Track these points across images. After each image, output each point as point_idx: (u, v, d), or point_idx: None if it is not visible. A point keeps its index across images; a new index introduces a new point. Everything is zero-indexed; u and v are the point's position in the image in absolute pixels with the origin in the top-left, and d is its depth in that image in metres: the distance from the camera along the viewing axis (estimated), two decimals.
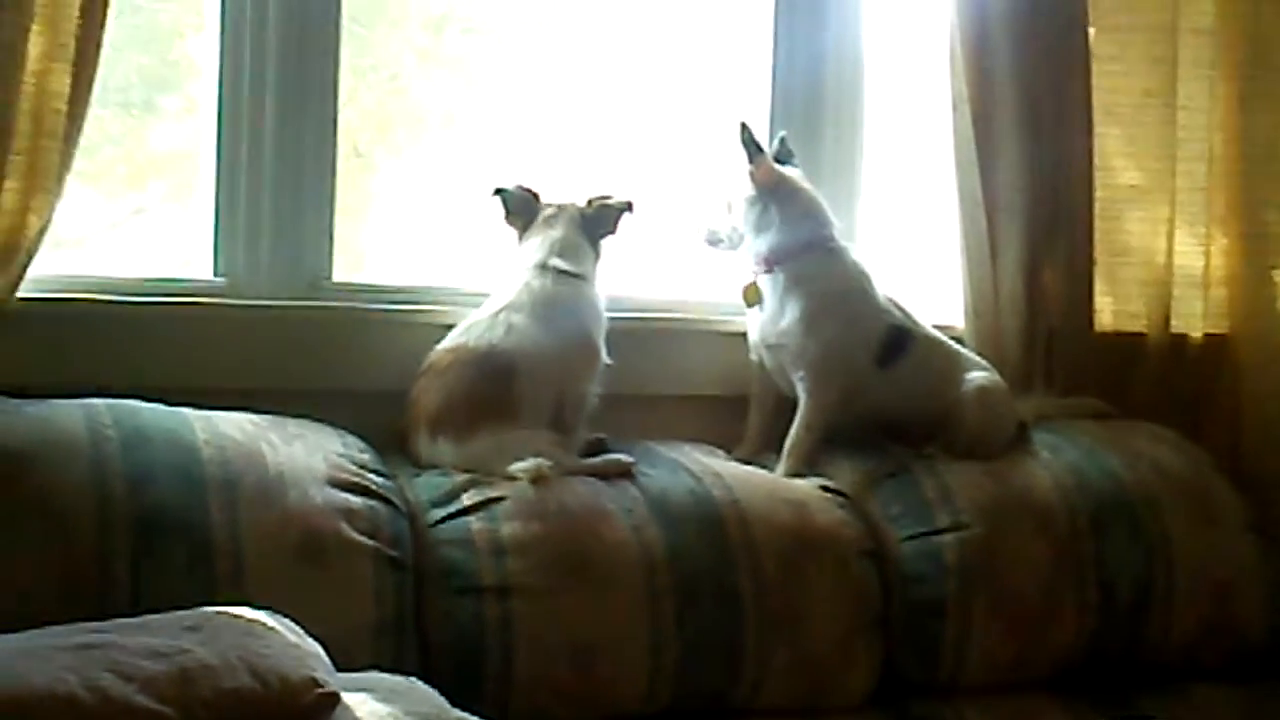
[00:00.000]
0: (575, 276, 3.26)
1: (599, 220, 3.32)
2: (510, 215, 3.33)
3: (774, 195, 3.39)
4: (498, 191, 3.32)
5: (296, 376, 3.18)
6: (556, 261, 3.25)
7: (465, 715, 2.37)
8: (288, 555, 2.70)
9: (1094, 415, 3.63)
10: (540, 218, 3.31)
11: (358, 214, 3.56)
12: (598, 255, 3.32)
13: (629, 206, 3.33)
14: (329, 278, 3.35)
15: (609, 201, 3.33)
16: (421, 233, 3.65)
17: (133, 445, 2.71)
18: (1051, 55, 3.63)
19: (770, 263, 3.39)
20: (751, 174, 3.39)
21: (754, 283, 3.42)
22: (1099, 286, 3.76)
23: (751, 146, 3.37)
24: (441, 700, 2.42)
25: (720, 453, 3.35)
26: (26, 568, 2.55)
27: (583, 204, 3.33)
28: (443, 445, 3.06)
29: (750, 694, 2.99)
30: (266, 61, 3.26)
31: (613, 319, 3.30)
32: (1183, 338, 3.86)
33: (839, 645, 3.06)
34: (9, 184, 2.82)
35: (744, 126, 3.37)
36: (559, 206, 3.32)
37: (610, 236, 3.34)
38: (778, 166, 3.41)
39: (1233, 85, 3.84)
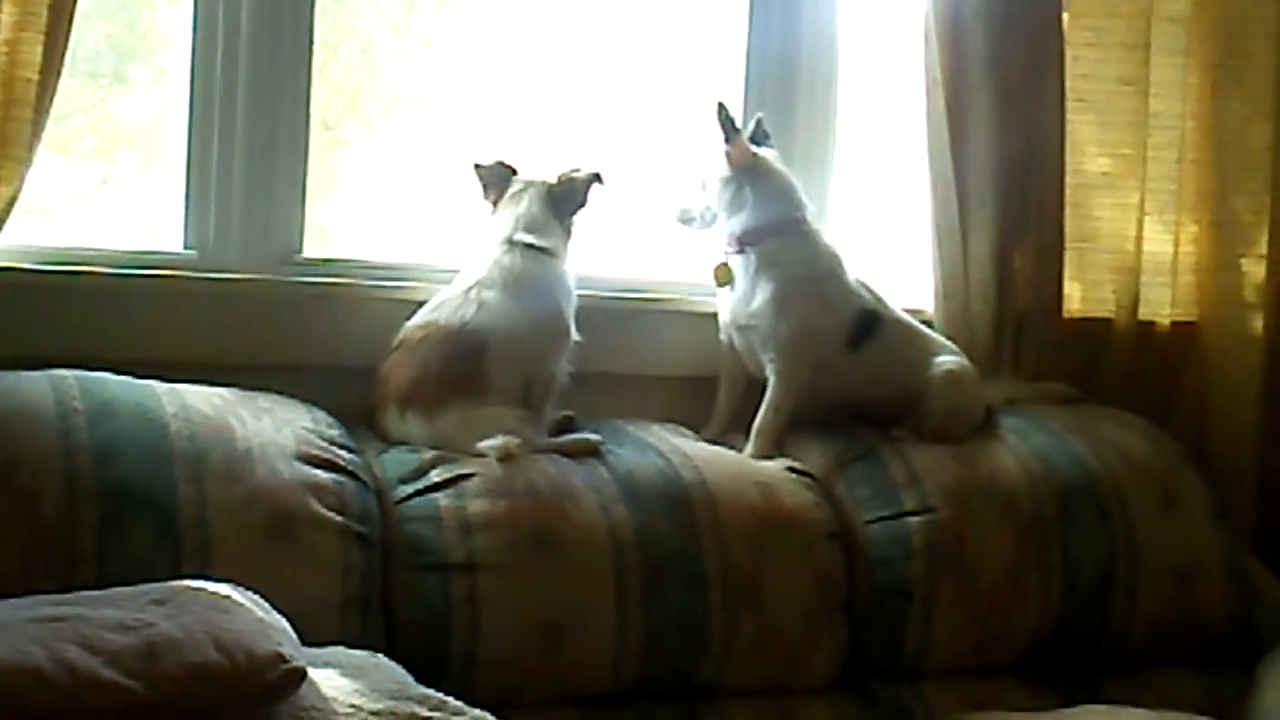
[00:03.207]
0: (543, 251, 3.25)
1: (567, 195, 3.31)
2: (486, 190, 3.32)
3: (749, 176, 3.39)
4: (476, 167, 3.31)
5: (266, 351, 3.18)
6: (523, 236, 3.24)
7: (430, 692, 2.37)
8: (255, 530, 2.69)
9: (1062, 400, 3.64)
10: (508, 193, 3.30)
11: (327, 188, 3.54)
12: (567, 231, 3.31)
13: (597, 177, 3.31)
14: (299, 252, 3.34)
15: (575, 174, 3.32)
16: (392, 208, 3.64)
17: (100, 418, 2.71)
18: (1026, 41, 3.62)
19: (742, 243, 3.39)
20: (727, 154, 3.38)
21: (725, 263, 3.42)
22: (1068, 272, 3.76)
23: (728, 126, 3.37)
24: (406, 676, 2.43)
25: (688, 433, 3.35)
26: None
27: (552, 179, 3.32)
28: (412, 422, 3.05)
29: (715, 674, 3.00)
30: (239, 33, 3.25)
31: (583, 297, 3.30)
32: (1151, 324, 3.86)
33: (804, 627, 3.07)
34: None
35: (721, 106, 3.36)
36: (526, 182, 3.31)
37: (581, 210, 3.32)
38: (753, 147, 3.41)
39: (1206, 73, 3.84)
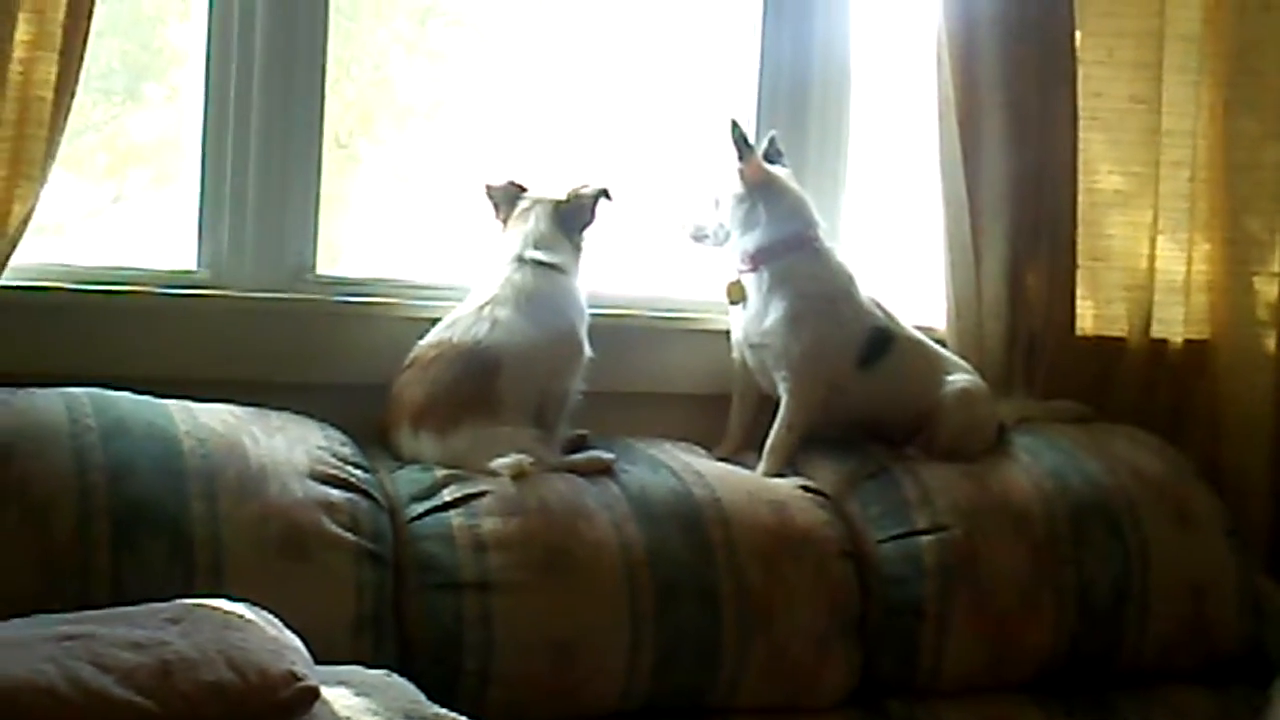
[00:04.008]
0: (552, 268, 3.25)
1: (575, 211, 3.30)
2: (497, 209, 3.32)
3: (762, 194, 3.39)
4: (487, 188, 3.32)
5: (279, 369, 3.18)
6: (533, 253, 3.25)
7: (443, 711, 2.37)
8: (268, 548, 2.69)
9: (1075, 418, 3.63)
10: (516, 211, 3.30)
11: (340, 205, 3.55)
12: (577, 247, 3.31)
13: (604, 193, 3.31)
14: (313, 270, 3.34)
15: (583, 191, 3.32)
16: (405, 225, 3.64)
17: (113, 436, 2.71)
18: (1038, 59, 3.62)
19: (756, 261, 3.38)
20: (741, 171, 3.38)
21: (738, 280, 3.42)
22: (1081, 290, 3.76)
23: (742, 144, 3.37)
24: (419, 695, 2.43)
25: (701, 451, 3.34)
26: (5, 557, 2.55)
27: (561, 196, 3.31)
28: (425, 440, 3.05)
29: (728, 693, 2.99)
30: (252, 51, 3.25)
31: (595, 315, 3.30)
32: (1163, 343, 3.86)
33: (817, 645, 3.06)
34: None
35: (735, 124, 3.37)
36: (534, 199, 3.31)
37: (590, 226, 3.32)
38: (767, 165, 3.41)
39: (1217, 91, 3.84)
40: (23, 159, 2.84)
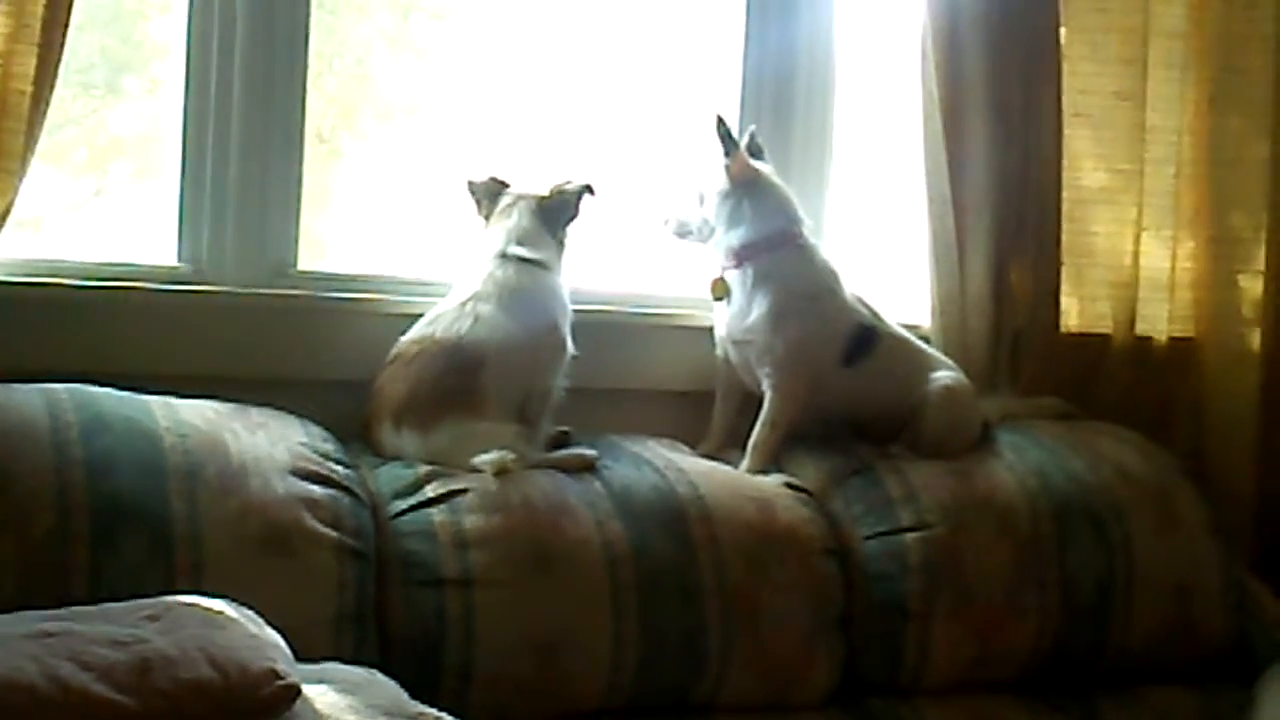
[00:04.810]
0: (536, 264, 3.24)
1: (558, 207, 3.30)
2: (479, 205, 3.31)
3: (747, 190, 3.38)
4: (469, 183, 3.31)
5: (260, 364, 3.17)
6: (515, 249, 3.24)
7: (424, 708, 2.36)
8: (249, 545, 2.68)
9: (1059, 416, 3.63)
10: (499, 207, 3.30)
11: (321, 201, 3.53)
12: (560, 244, 3.30)
13: (588, 189, 3.30)
14: (294, 265, 3.33)
15: (566, 186, 3.31)
16: (387, 220, 3.63)
17: (93, 432, 2.69)
18: (1023, 55, 3.63)
19: (740, 257, 3.38)
20: (726, 168, 3.37)
21: (722, 277, 3.41)
22: (1065, 287, 3.76)
23: (727, 140, 3.36)
24: (401, 692, 2.42)
25: (685, 448, 3.34)
26: None
27: (543, 192, 3.30)
28: (407, 436, 3.04)
29: (711, 691, 2.99)
30: (233, 44, 3.24)
31: (578, 312, 3.29)
32: (1148, 340, 3.86)
33: (801, 643, 3.05)
34: None
35: (720, 120, 3.36)
36: (517, 195, 3.30)
37: (573, 222, 3.31)
38: (753, 162, 3.40)
39: (1202, 88, 3.84)
40: (2, 153, 2.82)
